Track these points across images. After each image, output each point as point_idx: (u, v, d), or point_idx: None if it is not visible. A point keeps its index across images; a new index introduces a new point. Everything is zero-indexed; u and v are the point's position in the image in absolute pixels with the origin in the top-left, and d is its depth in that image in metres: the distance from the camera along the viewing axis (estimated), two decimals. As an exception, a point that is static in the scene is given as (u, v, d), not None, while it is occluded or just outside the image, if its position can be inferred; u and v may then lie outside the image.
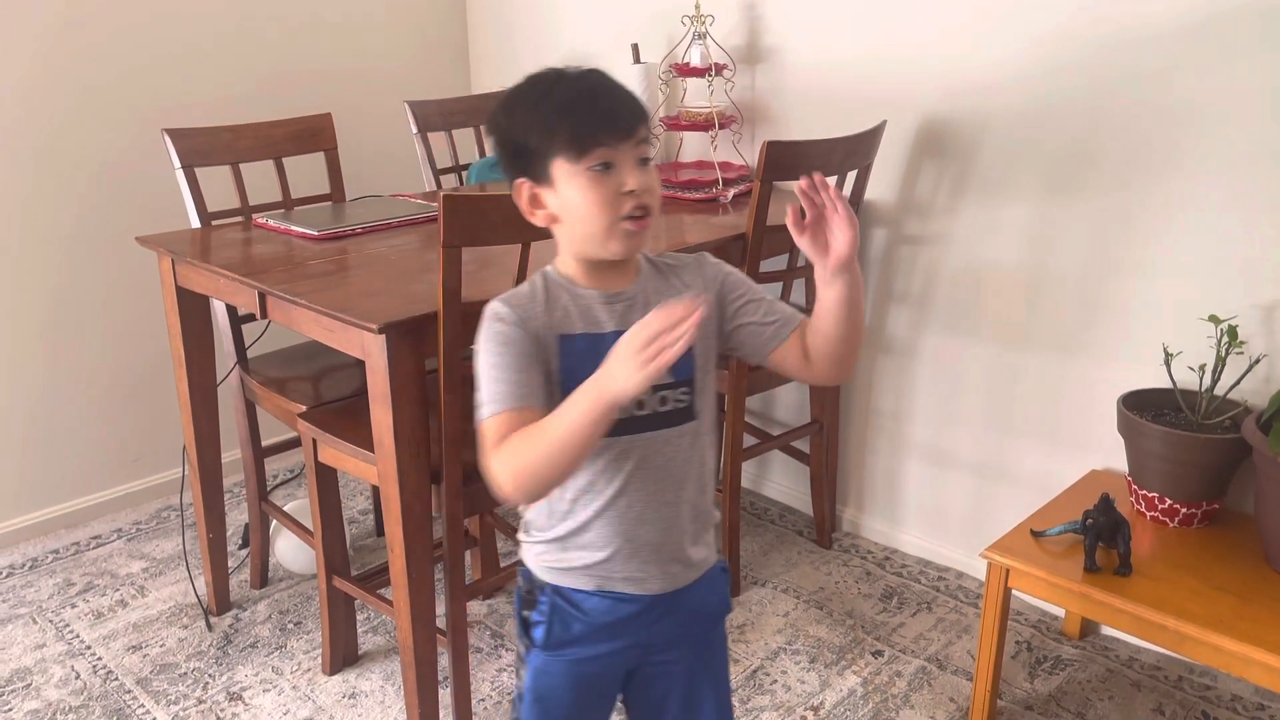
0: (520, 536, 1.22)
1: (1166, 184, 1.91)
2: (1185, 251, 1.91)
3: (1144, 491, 1.88)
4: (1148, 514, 1.88)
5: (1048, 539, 1.82)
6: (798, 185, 1.08)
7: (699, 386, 1.15)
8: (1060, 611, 2.19)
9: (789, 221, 1.08)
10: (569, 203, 1.08)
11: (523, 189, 1.12)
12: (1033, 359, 2.16)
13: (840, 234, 1.07)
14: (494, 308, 1.11)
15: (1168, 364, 1.87)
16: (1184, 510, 1.84)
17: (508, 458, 1.04)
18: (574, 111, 1.06)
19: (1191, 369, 1.88)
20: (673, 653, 1.23)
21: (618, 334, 1.05)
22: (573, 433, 0.99)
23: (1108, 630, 2.13)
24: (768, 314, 1.18)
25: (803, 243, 1.09)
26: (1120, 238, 1.99)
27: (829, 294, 1.11)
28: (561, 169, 1.07)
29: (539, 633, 1.20)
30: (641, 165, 1.08)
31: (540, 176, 1.09)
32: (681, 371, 1.12)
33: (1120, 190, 1.97)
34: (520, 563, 1.23)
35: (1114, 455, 2.02)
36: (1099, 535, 1.72)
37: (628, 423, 1.10)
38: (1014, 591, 1.82)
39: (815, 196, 1.07)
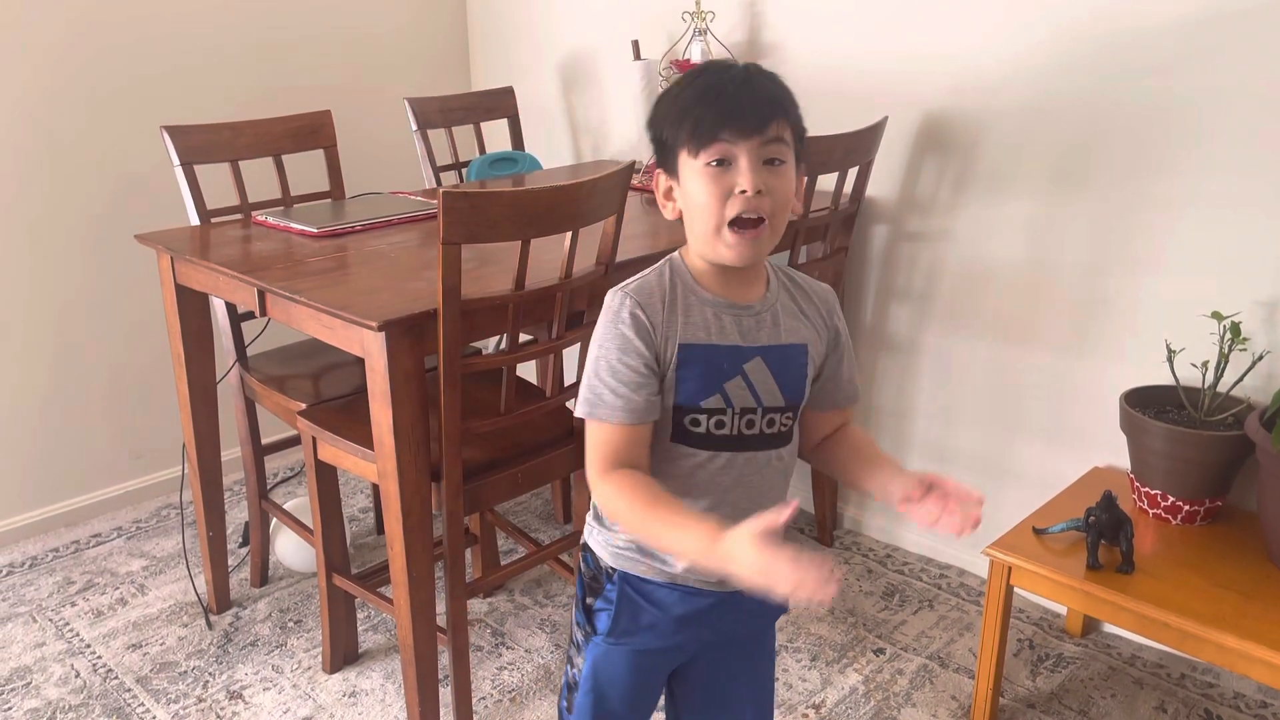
0: (591, 521, 1.20)
1: (1169, 180, 1.90)
2: (1188, 248, 1.91)
3: (1146, 489, 1.87)
4: (1150, 511, 1.88)
5: (1050, 536, 1.81)
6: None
7: (799, 413, 1.16)
8: (1062, 609, 2.19)
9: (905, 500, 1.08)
10: (688, 196, 1.07)
11: (658, 179, 1.11)
12: (1035, 356, 2.16)
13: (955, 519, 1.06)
14: (621, 303, 1.09)
15: (1170, 361, 1.86)
16: (1187, 507, 1.83)
17: (612, 498, 1.07)
18: (702, 103, 1.04)
19: (1194, 366, 1.87)
20: (729, 648, 1.25)
21: (736, 349, 1.09)
22: (668, 547, 1.07)
23: (1110, 628, 2.13)
24: (841, 381, 1.19)
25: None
26: (1123, 234, 1.99)
27: (877, 484, 1.14)
28: (685, 161, 1.06)
29: (603, 620, 1.18)
30: (769, 166, 1.04)
31: (671, 168, 1.08)
32: (793, 396, 1.13)
33: (1123, 187, 1.96)
34: (585, 548, 1.22)
35: (1116, 452, 2.01)
36: (1101, 533, 1.72)
37: (737, 440, 1.11)
38: (1016, 589, 1.81)
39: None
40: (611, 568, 1.17)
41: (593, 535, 1.20)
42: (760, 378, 1.10)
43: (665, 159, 1.09)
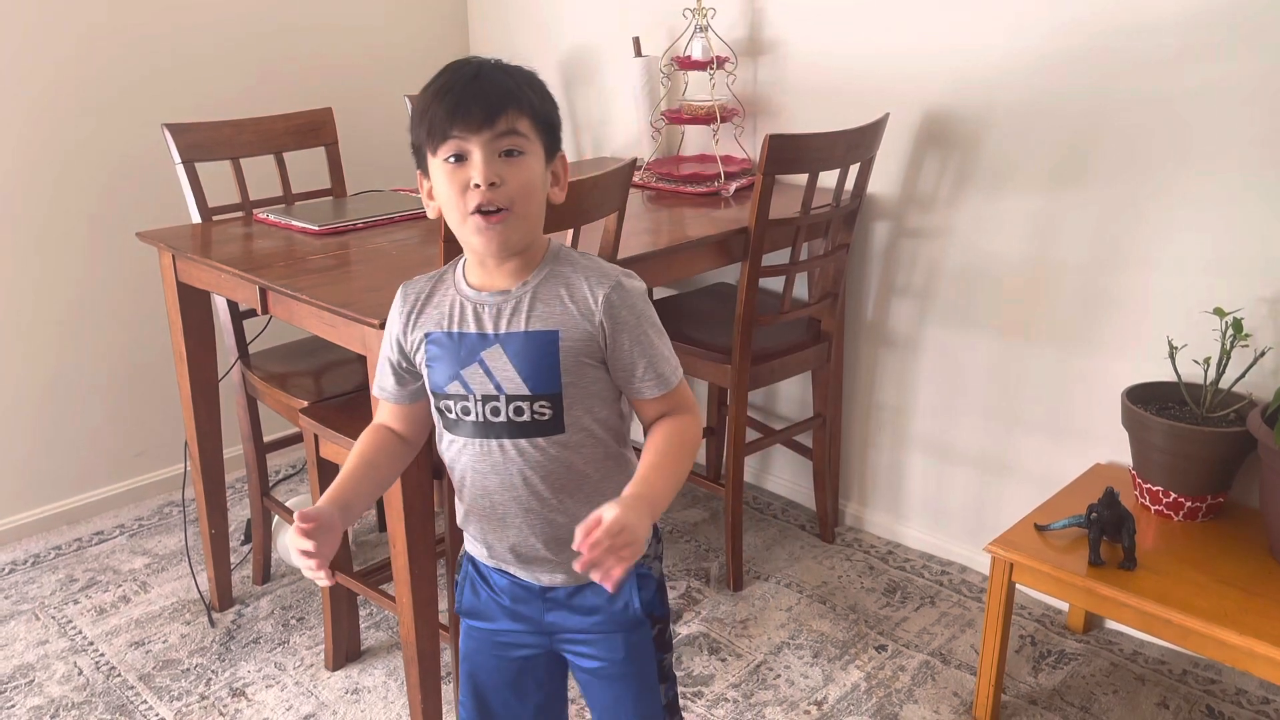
0: None
1: (1172, 176, 1.90)
2: (1190, 244, 1.90)
3: (1148, 485, 1.87)
4: (1152, 508, 1.88)
5: (1052, 533, 1.81)
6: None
7: (569, 403, 1.12)
8: (1064, 606, 2.19)
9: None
10: (437, 192, 1.11)
11: (421, 181, 1.15)
12: (1036, 352, 2.16)
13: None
14: (397, 295, 1.19)
15: (1172, 357, 1.86)
16: (1189, 504, 1.83)
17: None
18: (435, 101, 1.06)
19: (1196, 362, 1.87)
20: (586, 649, 1.24)
21: (477, 336, 1.12)
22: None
23: (1112, 624, 2.13)
24: (631, 368, 1.13)
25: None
26: (1124, 230, 1.98)
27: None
28: (430, 160, 1.09)
29: (457, 595, 1.27)
30: (506, 158, 1.06)
31: (424, 168, 1.12)
32: (542, 385, 1.11)
33: (1125, 182, 1.96)
34: None
35: (1118, 448, 2.01)
36: (1103, 529, 1.72)
37: (484, 426, 1.13)
38: (1018, 586, 1.81)
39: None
40: (465, 550, 1.27)
41: None
42: (499, 365, 1.11)
43: (419, 160, 1.12)
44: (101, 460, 2.63)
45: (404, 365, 1.19)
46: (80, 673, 2.03)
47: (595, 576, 0.96)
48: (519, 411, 1.11)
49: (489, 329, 1.12)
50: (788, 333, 2.32)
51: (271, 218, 2.09)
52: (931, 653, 2.07)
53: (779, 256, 2.18)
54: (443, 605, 1.78)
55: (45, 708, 1.93)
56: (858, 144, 2.09)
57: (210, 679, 2.01)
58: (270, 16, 2.71)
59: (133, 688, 1.98)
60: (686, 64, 2.43)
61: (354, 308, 1.55)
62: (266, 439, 2.25)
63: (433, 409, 1.18)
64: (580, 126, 2.94)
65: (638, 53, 2.56)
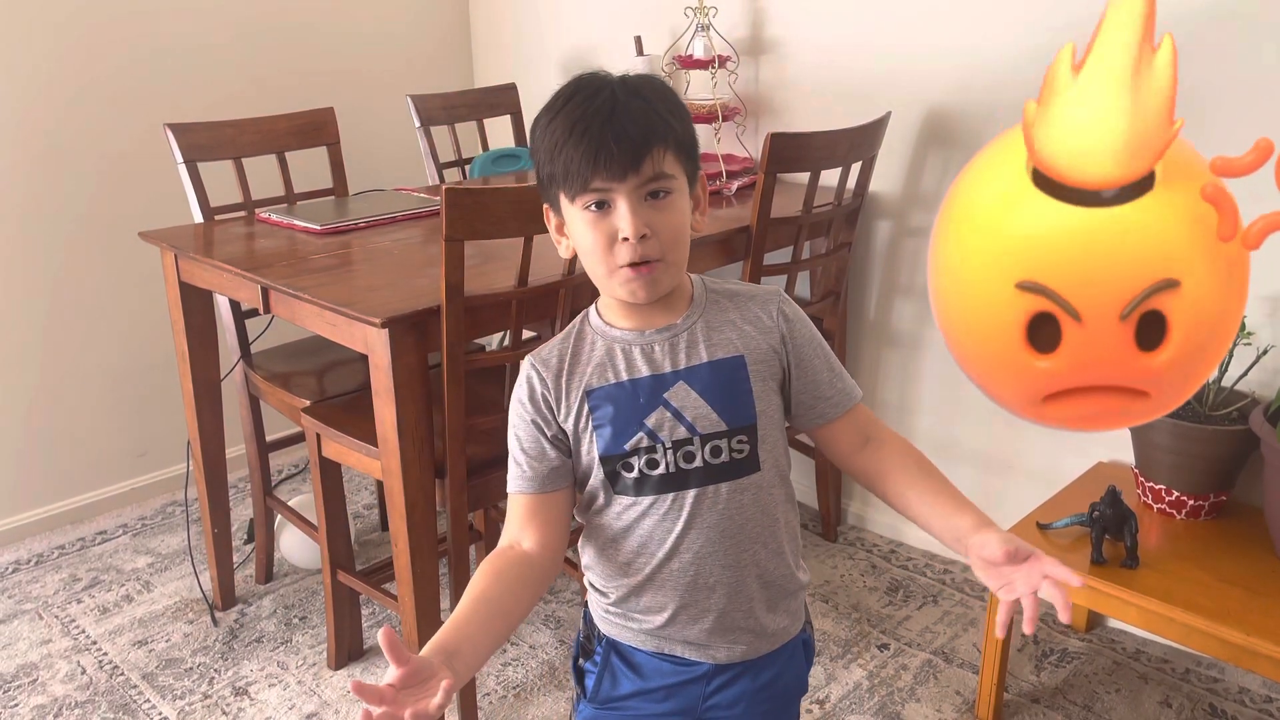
0: (587, 582, 1.13)
1: (1173, 174, 1.90)
2: (1192, 242, 1.90)
3: (1151, 484, 1.87)
4: (1155, 506, 1.88)
5: (1054, 531, 1.81)
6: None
7: (762, 434, 1.02)
8: (1067, 604, 2.18)
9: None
10: (575, 239, 0.99)
11: (549, 216, 1.03)
12: (1039, 351, 2.15)
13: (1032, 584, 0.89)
14: (522, 370, 1.05)
15: (1175, 355, 1.86)
16: (1191, 502, 1.83)
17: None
18: (570, 140, 0.93)
19: (1199, 360, 1.86)
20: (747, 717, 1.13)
21: (652, 379, 1.00)
22: None
23: (1114, 623, 2.13)
24: (818, 386, 1.06)
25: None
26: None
27: (951, 531, 0.99)
28: (564, 203, 0.98)
29: (590, 683, 1.14)
30: (653, 201, 0.95)
31: (555, 205, 1.00)
32: (738, 417, 1.01)
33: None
34: (586, 604, 1.15)
35: (1121, 447, 2.01)
36: (1106, 528, 1.72)
37: (675, 477, 1.01)
38: (1020, 584, 1.81)
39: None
40: (603, 633, 1.12)
41: (590, 594, 1.14)
42: (688, 403, 1.00)
43: (547, 192, 1.00)
44: (104, 460, 2.64)
45: (547, 436, 1.03)
46: (83, 672, 2.03)
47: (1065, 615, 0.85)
48: (716, 451, 1.01)
49: (666, 367, 1.01)
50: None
51: (274, 217, 2.09)
52: (934, 651, 2.07)
53: (781, 255, 2.18)
54: (444, 604, 1.78)
55: (48, 706, 1.93)
56: (859, 143, 2.09)
57: (213, 678, 2.01)
58: (272, 16, 2.71)
59: (135, 687, 1.99)
60: (688, 63, 2.43)
61: (356, 307, 1.55)
62: (269, 438, 2.25)
63: (597, 479, 1.03)
64: (582, 126, 2.94)
65: (639, 52, 2.56)
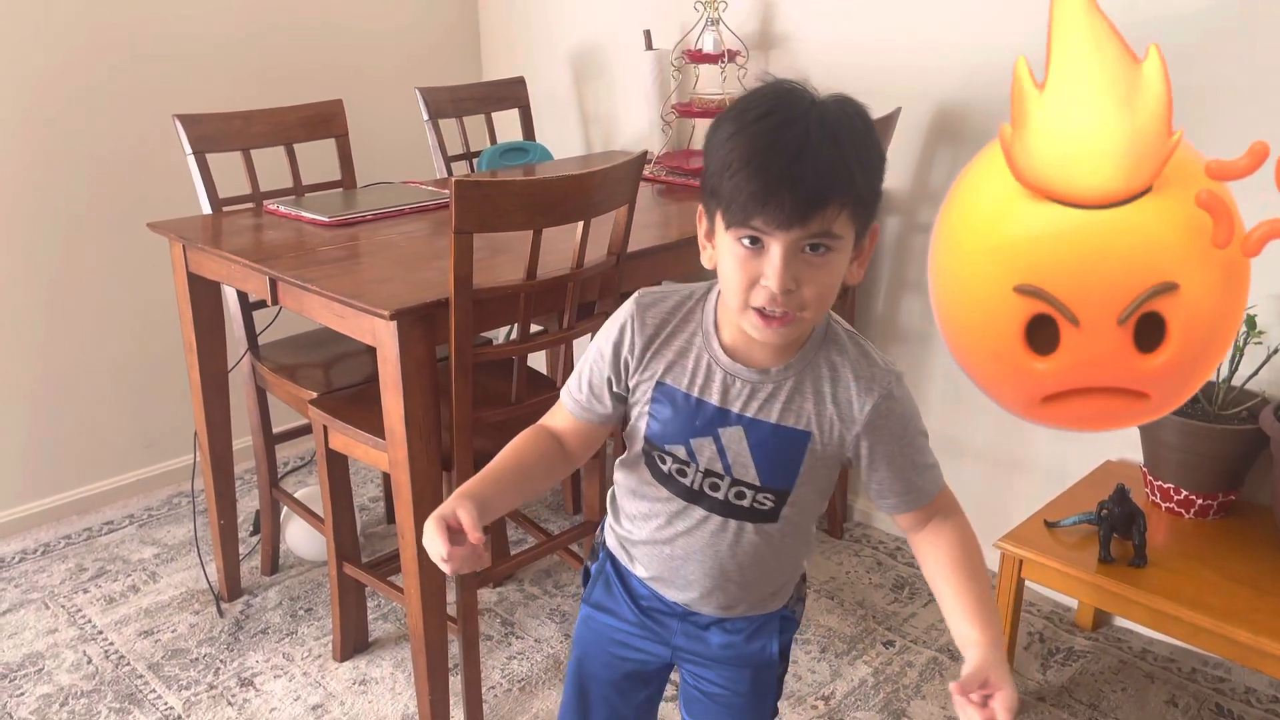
0: (607, 503, 1.21)
1: (1185, 172, 1.89)
2: (1203, 240, 1.89)
3: (1159, 482, 1.86)
4: (1163, 505, 1.87)
5: (1062, 529, 1.81)
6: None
7: (794, 500, 1.05)
8: (1073, 603, 2.18)
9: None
10: (719, 259, 0.96)
11: (701, 219, 0.99)
12: (1047, 349, 2.14)
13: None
14: (626, 309, 1.06)
15: (1184, 354, 1.85)
16: (1200, 501, 1.82)
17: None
18: (746, 170, 0.88)
19: (1208, 359, 1.86)
20: (709, 674, 1.20)
21: (717, 411, 1.01)
22: None
23: (1121, 622, 2.12)
24: (894, 480, 1.05)
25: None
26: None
27: (959, 636, 0.98)
28: (719, 221, 0.94)
29: (588, 586, 1.24)
30: (811, 253, 0.90)
31: (712, 214, 0.96)
32: (777, 480, 1.03)
33: (1138, 178, 1.95)
34: (606, 513, 1.23)
35: (1129, 445, 2.00)
36: (1114, 526, 1.71)
37: (697, 494, 1.05)
38: (1027, 582, 1.81)
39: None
40: (608, 547, 1.22)
41: (609, 505, 1.21)
42: (736, 448, 1.01)
43: (707, 201, 0.96)
44: (111, 450, 2.64)
45: (613, 389, 1.07)
46: (89, 661, 2.04)
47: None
48: (740, 495, 1.04)
49: (734, 407, 1.01)
50: (797, 327, 2.30)
51: (282, 209, 2.09)
52: (939, 649, 2.07)
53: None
54: (450, 598, 1.78)
55: (54, 695, 1.94)
56: (869, 138, 2.08)
57: (219, 668, 2.01)
58: (282, 7, 2.71)
59: (141, 676, 1.99)
60: (697, 57, 2.42)
61: (364, 299, 1.55)
62: (275, 430, 2.26)
63: (639, 447, 1.08)
64: (590, 120, 2.94)
65: (648, 46, 2.55)
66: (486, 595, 2.23)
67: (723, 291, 0.98)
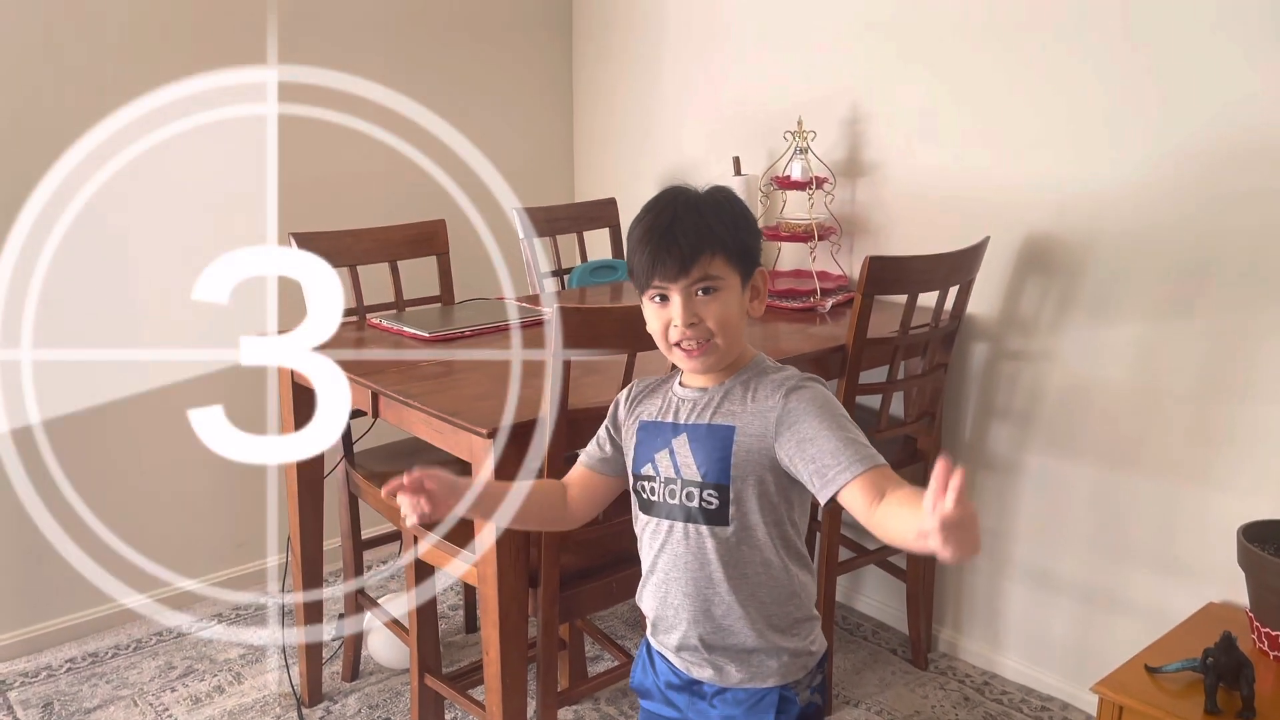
0: None
1: (1285, 308, 1.86)
2: (1307, 378, 1.85)
3: (1267, 630, 1.78)
4: (1271, 653, 1.78)
5: (1164, 675, 1.73)
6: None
7: (735, 496, 1.22)
8: (1175, 752, 2.07)
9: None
10: (646, 319, 1.26)
11: (641, 299, 1.27)
12: (1144, 482, 2.09)
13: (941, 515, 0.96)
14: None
15: (1291, 494, 1.79)
16: (1313, 651, 1.74)
17: None
18: (639, 248, 1.20)
19: (1317, 501, 1.79)
20: None
21: (671, 426, 1.27)
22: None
23: (1229, 776, 2.00)
24: (821, 455, 1.16)
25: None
26: (1238, 359, 1.94)
27: (910, 529, 1.02)
28: (639, 294, 1.25)
29: (633, 670, 1.41)
30: (704, 294, 1.19)
31: (638, 290, 1.26)
32: (714, 475, 1.22)
33: (1238, 310, 1.92)
34: None
35: (1232, 586, 1.93)
36: (1220, 675, 1.64)
37: (662, 506, 1.26)
38: (1127, 730, 1.73)
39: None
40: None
41: None
42: (682, 452, 1.24)
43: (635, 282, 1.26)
44: (204, 549, 2.71)
45: (610, 433, 1.35)
46: (173, 762, 2.06)
47: (936, 542, 0.93)
48: (690, 496, 1.24)
49: (682, 419, 1.26)
50: (884, 451, 2.24)
51: (384, 323, 2.18)
52: (1032, 795, 1.97)
53: (876, 374, 2.17)
54: (530, 714, 1.77)
55: (138, 795, 1.96)
56: (958, 267, 2.10)
57: (297, 776, 2.02)
58: (400, 138, 2.86)
59: (222, 780, 2.00)
60: (785, 184, 2.49)
61: (463, 416, 1.60)
62: (364, 536, 2.30)
63: (631, 490, 1.32)
64: (678, 239, 3.01)
65: (737, 171, 2.63)
66: (565, 715, 2.21)
67: (657, 343, 1.25)
